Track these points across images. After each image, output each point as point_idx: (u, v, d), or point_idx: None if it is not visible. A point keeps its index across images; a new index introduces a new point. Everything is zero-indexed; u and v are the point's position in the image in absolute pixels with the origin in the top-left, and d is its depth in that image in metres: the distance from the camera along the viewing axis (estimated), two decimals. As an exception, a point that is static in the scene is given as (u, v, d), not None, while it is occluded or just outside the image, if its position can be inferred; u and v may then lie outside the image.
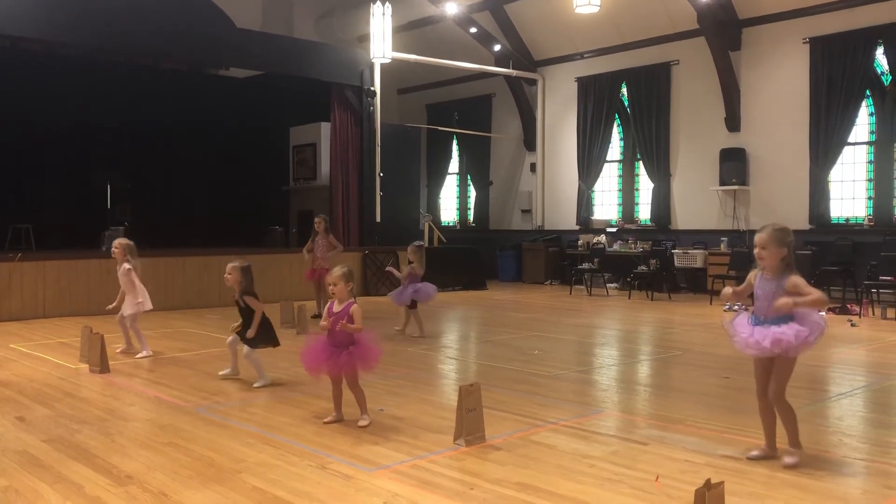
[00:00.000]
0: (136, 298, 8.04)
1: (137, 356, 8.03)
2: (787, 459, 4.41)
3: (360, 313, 5.25)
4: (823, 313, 4.43)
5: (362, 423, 5.26)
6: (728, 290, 4.62)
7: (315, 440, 4.94)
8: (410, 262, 9.74)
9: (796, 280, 4.36)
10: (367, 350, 5.26)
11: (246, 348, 6.60)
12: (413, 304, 9.62)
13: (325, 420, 5.36)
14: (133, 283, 8.03)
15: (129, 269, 8.01)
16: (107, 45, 13.20)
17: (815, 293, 4.31)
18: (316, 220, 11.40)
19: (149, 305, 8.17)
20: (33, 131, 15.68)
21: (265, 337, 6.65)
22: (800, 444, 4.50)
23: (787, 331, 4.32)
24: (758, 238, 4.46)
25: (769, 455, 4.53)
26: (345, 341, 5.22)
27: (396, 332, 9.73)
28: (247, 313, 6.61)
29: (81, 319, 10.36)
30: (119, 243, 8.14)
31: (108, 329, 9.13)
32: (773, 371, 4.48)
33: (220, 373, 6.95)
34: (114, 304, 8.18)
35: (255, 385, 6.55)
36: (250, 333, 6.55)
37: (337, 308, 5.29)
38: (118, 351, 8.18)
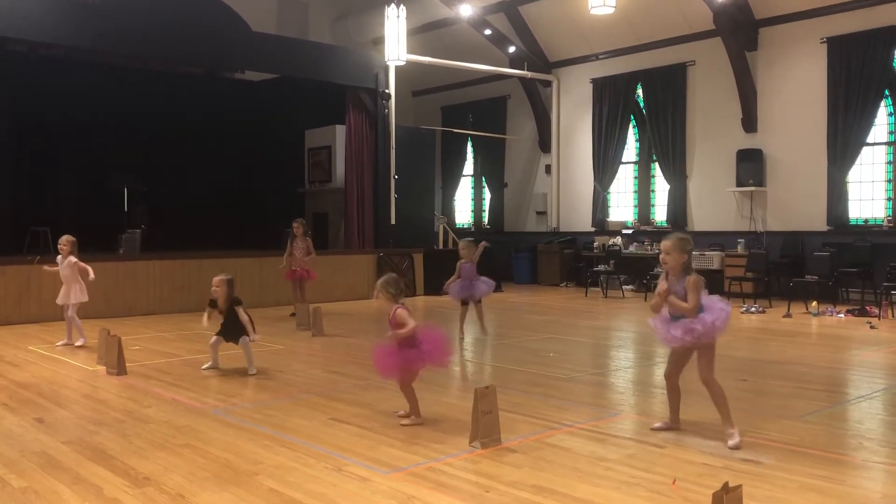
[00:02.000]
0: (83, 289, 8.82)
1: (76, 343, 8.76)
2: (731, 442, 4.80)
3: (405, 315, 5.28)
4: (727, 303, 5.13)
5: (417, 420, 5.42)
6: (663, 284, 5.06)
7: (331, 442, 4.95)
8: (462, 260, 9.70)
9: (691, 280, 4.94)
10: (433, 346, 5.35)
11: (243, 338, 7.38)
12: (476, 301, 9.78)
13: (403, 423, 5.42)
14: (76, 276, 8.78)
15: (76, 262, 8.77)
16: (123, 49, 13.30)
17: (692, 302, 4.90)
18: (294, 224, 11.65)
19: (84, 297, 8.95)
20: (51, 135, 15.83)
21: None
22: (733, 422, 4.92)
23: (695, 323, 4.88)
24: (663, 245, 5.08)
25: (671, 427, 5.19)
26: (410, 343, 5.29)
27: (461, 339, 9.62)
28: (233, 319, 7.37)
29: (99, 322, 10.42)
30: (67, 239, 8.88)
31: (126, 331, 9.22)
32: (697, 358, 5.03)
33: (203, 367, 7.49)
34: (60, 299, 8.89)
35: (251, 372, 7.23)
36: (254, 337, 7.45)
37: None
38: (58, 345, 8.87)
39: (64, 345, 8.86)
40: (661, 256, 5.12)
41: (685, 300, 4.98)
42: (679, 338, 4.96)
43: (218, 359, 7.53)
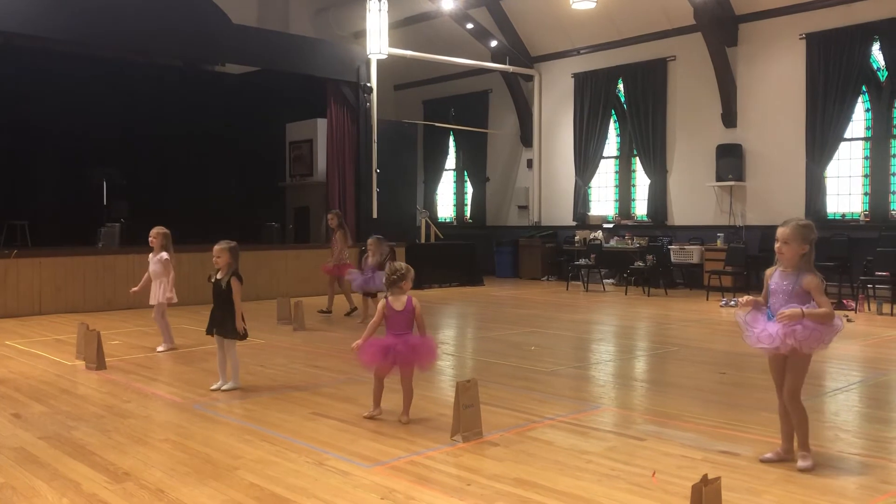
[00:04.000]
0: (167, 288, 8.04)
1: (157, 349, 8.12)
2: (801, 463, 4.29)
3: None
4: (841, 318, 4.44)
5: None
6: (746, 298, 4.50)
7: (312, 437, 4.94)
8: (366, 252, 10.23)
9: (812, 280, 4.27)
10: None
11: (230, 341, 6.28)
12: (370, 294, 10.13)
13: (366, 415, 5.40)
14: (168, 272, 8.04)
15: (168, 258, 8.02)
16: (102, 41, 13.16)
17: (826, 307, 4.24)
18: (328, 216, 11.50)
19: (174, 298, 8.18)
20: (28, 128, 15.63)
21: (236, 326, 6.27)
22: (809, 446, 4.38)
23: (799, 324, 4.22)
24: (780, 232, 4.35)
25: (784, 458, 4.41)
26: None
27: (360, 323, 10.03)
28: (224, 298, 6.24)
29: (78, 316, 10.34)
30: (157, 232, 8.09)
31: (105, 325, 9.14)
32: (787, 370, 4.41)
33: (213, 388, 6.36)
34: (137, 289, 8.24)
35: (224, 388, 6.25)
36: (239, 326, 6.19)
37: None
38: (158, 350, 8.15)
39: (166, 349, 8.15)
40: (776, 246, 4.36)
41: (797, 299, 4.25)
42: (775, 337, 4.26)
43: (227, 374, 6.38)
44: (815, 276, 4.28)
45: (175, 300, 8.18)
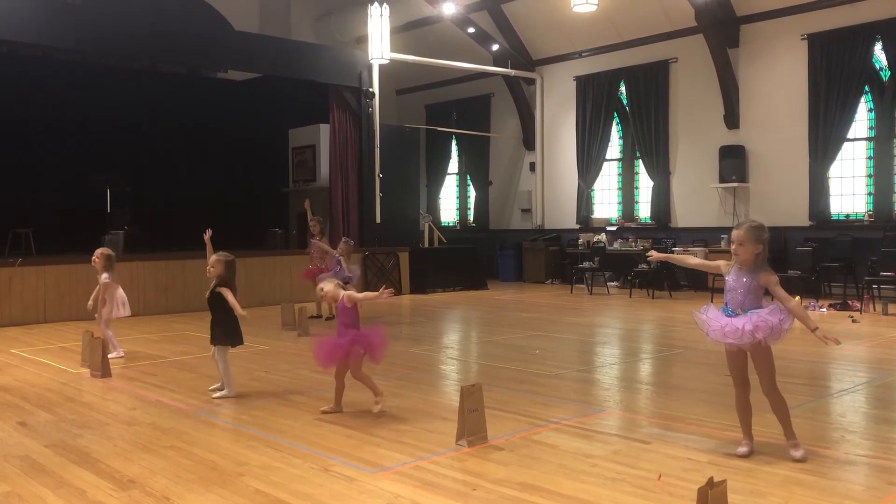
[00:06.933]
0: (110, 308, 8.16)
1: (109, 356, 8.09)
2: (796, 453, 4.47)
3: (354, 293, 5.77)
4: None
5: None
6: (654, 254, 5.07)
7: (317, 442, 4.94)
8: (339, 257, 10.62)
9: (769, 277, 4.49)
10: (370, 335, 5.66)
11: (214, 350, 6.36)
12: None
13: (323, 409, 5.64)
14: (109, 295, 8.14)
15: (106, 282, 8.11)
16: (105, 48, 13.20)
17: (791, 299, 4.50)
18: (310, 223, 11.56)
19: (122, 313, 8.26)
20: (32, 136, 15.70)
21: (231, 333, 6.34)
22: (794, 433, 4.55)
23: (769, 316, 4.41)
24: (735, 234, 4.58)
25: (753, 449, 4.60)
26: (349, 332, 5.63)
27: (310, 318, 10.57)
28: (216, 308, 6.34)
29: (82, 324, 10.35)
30: (100, 253, 8.23)
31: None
32: (755, 366, 4.58)
33: (211, 388, 6.50)
34: (90, 305, 8.36)
35: (215, 396, 6.25)
36: (241, 313, 6.18)
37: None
38: (110, 356, 8.23)
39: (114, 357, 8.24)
40: (732, 247, 4.57)
41: (753, 294, 4.48)
42: (746, 331, 4.40)
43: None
44: (771, 273, 4.51)
45: (120, 314, 8.23)
